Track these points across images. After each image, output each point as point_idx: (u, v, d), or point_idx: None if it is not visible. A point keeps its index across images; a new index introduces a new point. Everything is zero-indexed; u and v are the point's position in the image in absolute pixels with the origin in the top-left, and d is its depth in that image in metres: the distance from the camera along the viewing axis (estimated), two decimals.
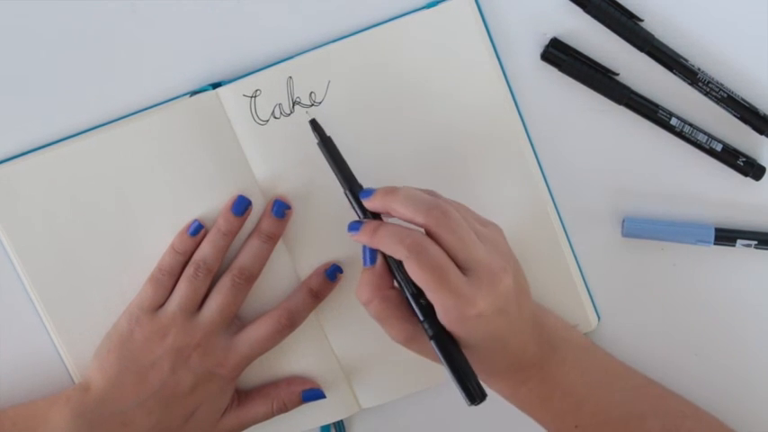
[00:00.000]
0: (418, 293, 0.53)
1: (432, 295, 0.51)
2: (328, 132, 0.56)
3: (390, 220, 0.54)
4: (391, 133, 0.60)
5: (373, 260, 0.54)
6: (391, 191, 0.53)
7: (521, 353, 0.56)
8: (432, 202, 0.52)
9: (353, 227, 0.54)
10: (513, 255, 0.56)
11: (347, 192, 0.55)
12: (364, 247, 0.54)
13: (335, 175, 0.56)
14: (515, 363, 0.56)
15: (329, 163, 0.56)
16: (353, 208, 0.55)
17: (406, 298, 0.53)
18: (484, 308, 0.51)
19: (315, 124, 0.56)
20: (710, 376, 0.64)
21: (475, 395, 0.52)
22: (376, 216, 0.55)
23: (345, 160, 0.56)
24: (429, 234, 0.52)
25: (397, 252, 0.51)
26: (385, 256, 0.54)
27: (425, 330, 0.53)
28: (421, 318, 0.53)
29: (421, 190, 0.54)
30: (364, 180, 0.55)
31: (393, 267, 0.53)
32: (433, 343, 0.52)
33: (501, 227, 0.56)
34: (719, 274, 0.63)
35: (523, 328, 0.55)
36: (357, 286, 0.54)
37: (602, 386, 0.59)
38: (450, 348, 0.52)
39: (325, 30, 0.60)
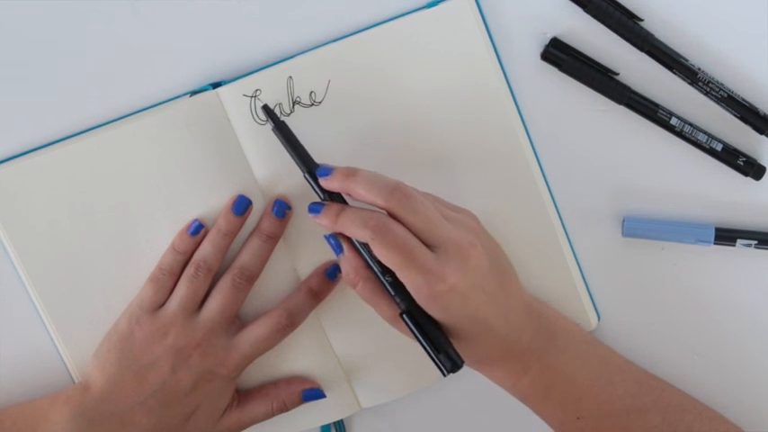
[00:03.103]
0: (385, 270, 0.53)
1: (400, 274, 0.51)
2: (328, 132, 0.56)
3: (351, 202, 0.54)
4: (391, 133, 0.60)
5: (340, 248, 0.54)
6: (351, 173, 0.53)
7: (515, 340, 0.56)
8: (393, 183, 0.52)
9: (314, 209, 0.54)
10: (491, 238, 0.56)
11: (306, 174, 0.55)
12: (328, 238, 0.55)
13: (293, 158, 0.56)
14: (511, 351, 0.56)
15: (285, 147, 0.56)
16: (314, 190, 0.55)
17: (377, 277, 0.53)
18: (455, 282, 0.51)
19: (268, 110, 0.57)
20: (711, 376, 0.64)
21: (446, 366, 0.52)
22: (335, 197, 0.55)
23: (301, 143, 0.56)
24: (392, 216, 0.52)
25: (361, 235, 0.52)
26: (350, 239, 0.54)
27: (398, 305, 0.53)
28: (392, 293, 0.53)
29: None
30: None
31: (359, 248, 0.54)
32: (404, 317, 0.52)
33: (487, 217, 0.56)
34: (719, 273, 0.63)
35: (511, 311, 0.55)
36: (342, 274, 0.55)
37: (604, 378, 0.59)
38: (421, 321, 0.52)
39: (326, 30, 0.60)
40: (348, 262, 0.54)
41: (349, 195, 0.54)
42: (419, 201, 0.52)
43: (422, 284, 0.51)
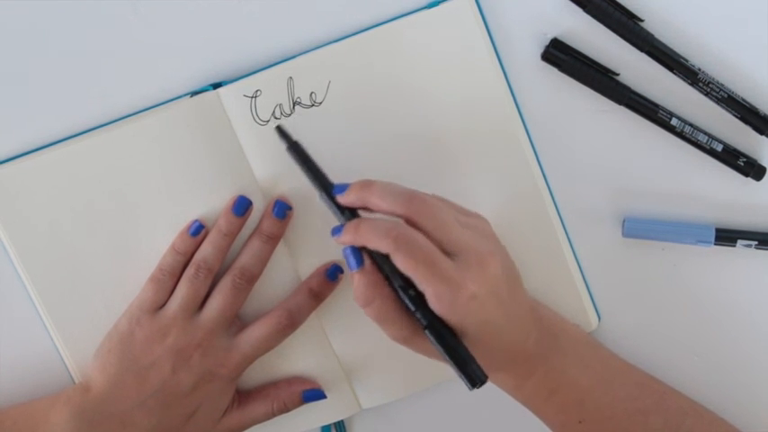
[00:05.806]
0: (406, 285, 0.52)
1: (423, 284, 0.51)
2: (328, 133, 0.56)
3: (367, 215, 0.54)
4: (392, 133, 0.60)
5: (359, 261, 0.52)
6: (367, 184, 0.52)
7: (522, 343, 0.56)
8: (410, 192, 0.52)
9: (336, 230, 0.54)
10: (501, 243, 0.56)
11: (322, 194, 0.54)
12: (346, 250, 0.53)
13: (308, 179, 0.55)
14: (518, 354, 0.56)
15: (300, 167, 0.55)
16: (332, 211, 0.54)
17: (395, 291, 0.52)
18: (475, 290, 0.51)
19: (281, 130, 0.55)
20: (711, 376, 0.64)
21: (475, 378, 0.51)
22: (354, 215, 0.54)
23: (316, 163, 0.55)
24: (410, 224, 0.51)
25: (382, 246, 0.51)
26: (370, 253, 0.53)
27: (419, 320, 0.52)
28: (412, 308, 0.52)
29: None
30: None
31: (379, 261, 0.52)
32: (427, 332, 0.52)
33: (487, 218, 0.56)
34: (720, 274, 0.63)
35: (519, 316, 0.55)
36: (354, 291, 0.52)
37: (605, 381, 0.59)
38: (445, 335, 0.51)
39: (326, 30, 0.60)
40: (366, 276, 0.52)
41: (367, 209, 0.53)
42: (437, 207, 0.52)
43: (444, 293, 0.50)
